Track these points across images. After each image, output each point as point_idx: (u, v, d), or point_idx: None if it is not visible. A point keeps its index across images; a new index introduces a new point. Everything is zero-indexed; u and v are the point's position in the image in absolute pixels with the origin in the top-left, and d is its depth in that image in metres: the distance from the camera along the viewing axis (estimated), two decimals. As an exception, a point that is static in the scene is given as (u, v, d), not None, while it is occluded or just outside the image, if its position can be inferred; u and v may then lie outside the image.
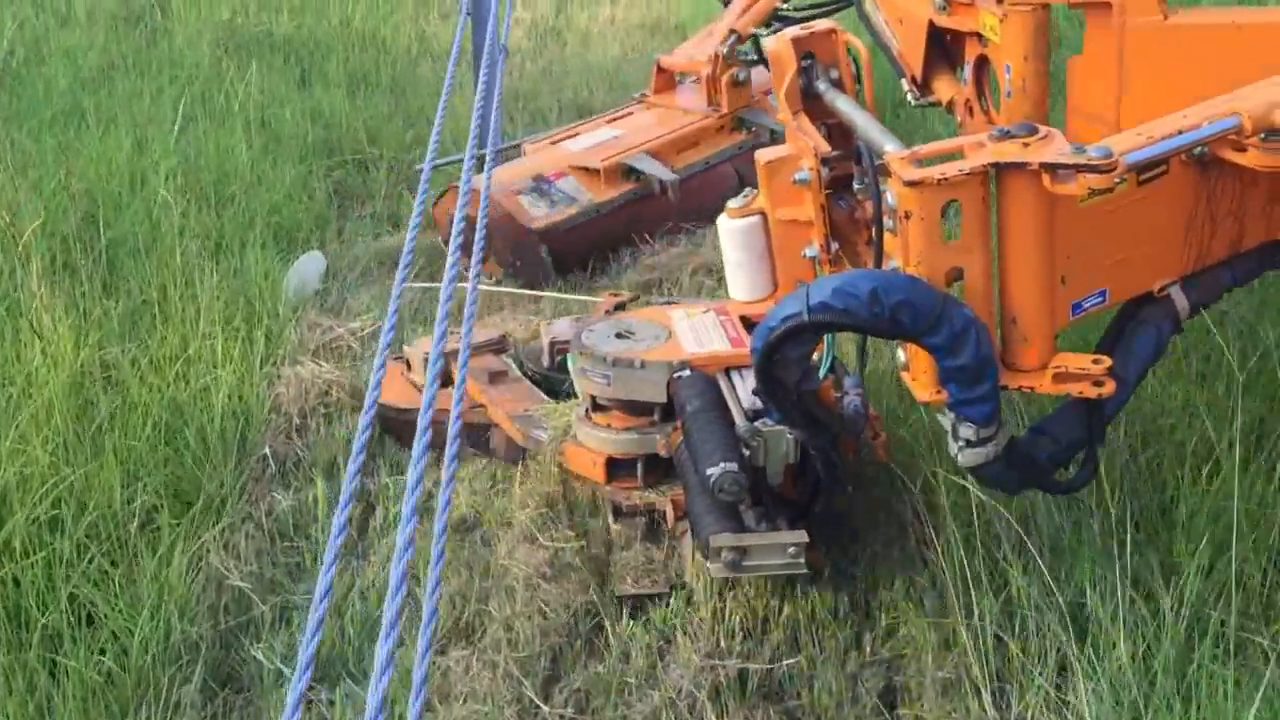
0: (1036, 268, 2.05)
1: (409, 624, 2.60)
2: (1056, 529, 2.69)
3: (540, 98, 6.35)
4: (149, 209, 4.63)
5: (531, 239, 4.35)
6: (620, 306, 3.48)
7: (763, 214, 2.80)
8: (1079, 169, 1.90)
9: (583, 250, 4.44)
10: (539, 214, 4.39)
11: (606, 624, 2.75)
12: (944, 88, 3.11)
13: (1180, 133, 1.98)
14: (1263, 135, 1.97)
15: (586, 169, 4.52)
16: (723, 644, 2.65)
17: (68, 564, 2.84)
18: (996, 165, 1.97)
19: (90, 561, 2.87)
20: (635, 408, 2.90)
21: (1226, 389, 3.05)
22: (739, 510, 2.58)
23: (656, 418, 2.88)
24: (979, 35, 2.85)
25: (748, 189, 2.85)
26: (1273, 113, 1.94)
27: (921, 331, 2.01)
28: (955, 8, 2.86)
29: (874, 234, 2.39)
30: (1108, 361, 2.11)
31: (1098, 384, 2.11)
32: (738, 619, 2.70)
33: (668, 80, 5.03)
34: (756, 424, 2.54)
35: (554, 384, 3.36)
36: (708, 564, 2.53)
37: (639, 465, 2.89)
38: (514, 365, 3.46)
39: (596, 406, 2.97)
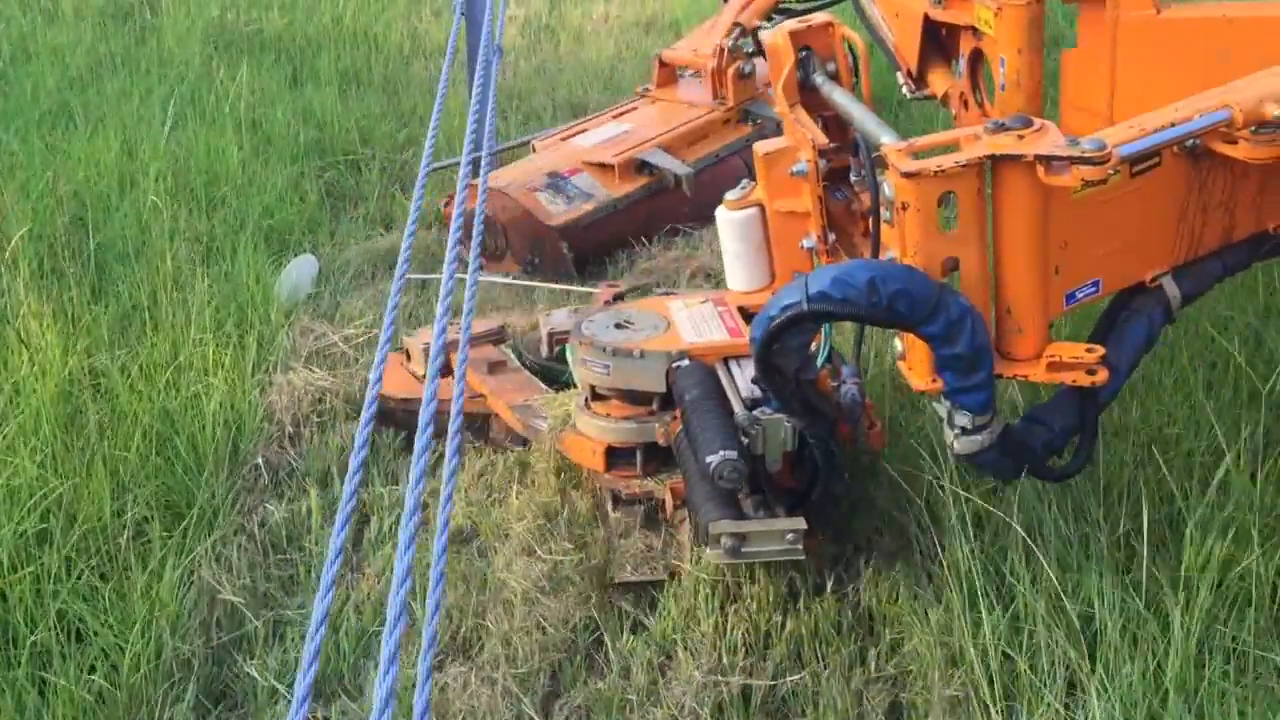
0: (1031, 258, 2.08)
1: (406, 641, 2.56)
2: (1064, 542, 2.65)
3: (534, 97, 6.29)
4: (138, 212, 4.57)
5: (551, 236, 4.35)
6: (619, 297, 3.52)
7: (760, 205, 2.83)
8: (1073, 161, 1.93)
9: (601, 246, 4.46)
10: (557, 211, 4.40)
11: (606, 639, 2.70)
12: (939, 81, 3.15)
13: (1172, 125, 2.02)
14: (1253, 128, 2.01)
15: (601, 165, 4.53)
16: (725, 659, 2.61)
17: (56, 579, 2.79)
18: (992, 157, 2.01)
19: (79, 576, 2.82)
20: (634, 397, 2.92)
21: (1234, 397, 3.02)
22: (738, 498, 2.60)
23: (655, 407, 2.89)
24: (974, 29, 2.88)
25: (744, 180, 2.87)
26: (1263, 106, 1.99)
27: (918, 320, 2.05)
28: (950, 1, 2.86)
29: (871, 225, 2.45)
30: (1101, 350, 2.15)
31: (1091, 373, 2.15)
32: (740, 634, 2.66)
33: (669, 74, 5.06)
34: (755, 412, 2.56)
35: (552, 374, 3.39)
36: (707, 550, 2.56)
37: (638, 454, 2.91)
38: (513, 355, 3.49)
39: (596, 396, 2.98)
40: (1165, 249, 2.25)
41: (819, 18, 2.87)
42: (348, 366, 3.80)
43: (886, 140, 2.30)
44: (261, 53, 6.69)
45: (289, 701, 2.52)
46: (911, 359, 2.20)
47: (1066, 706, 2.36)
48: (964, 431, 2.19)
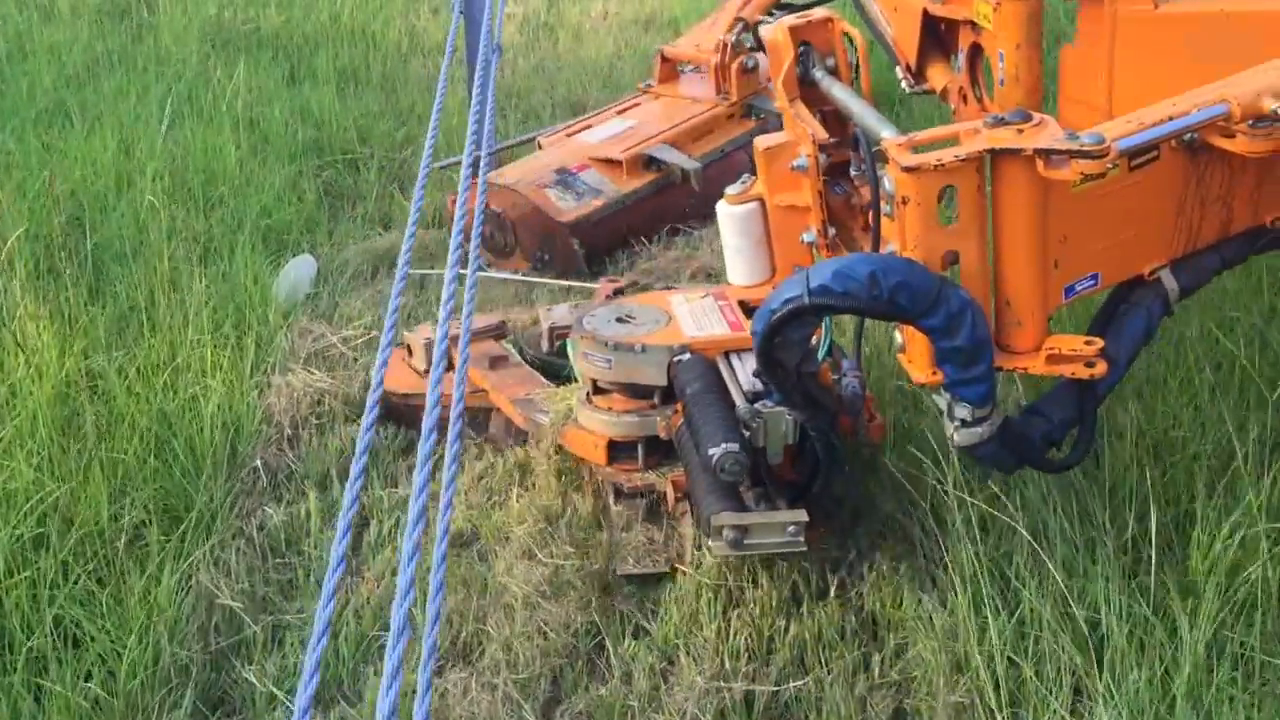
0: (1030, 251, 2.10)
1: (406, 647, 2.53)
2: (1070, 546, 2.62)
3: (533, 95, 6.26)
4: (135, 211, 4.54)
5: (562, 232, 4.35)
6: (619, 292, 3.54)
7: (761, 200, 2.84)
8: (1072, 155, 1.95)
9: (610, 242, 4.47)
10: (567, 207, 4.39)
11: (608, 643, 2.68)
12: (938, 76, 3.17)
13: (1170, 119, 2.04)
14: (1251, 122, 2.03)
15: (608, 160, 4.54)
16: (727, 665, 2.59)
17: (53, 584, 2.76)
18: (991, 151, 2.02)
19: (76, 581, 2.79)
20: (636, 391, 2.93)
21: (1240, 399, 3.00)
22: (739, 491, 2.60)
23: (657, 400, 2.90)
24: (973, 23, 2.91)
25: (745, 175, 2.89)
26: (1260, 100, 2.00)
27: (919, 313, 2.06)
28: None
29: (871, 219, 2.46)
30: (1099, 343, 2.17)
31: (1090, 365, 2.17)
32: (742, 639, 2.64)
33: (671, 70, 5.07)
34: (756, 405, 2.56)
35: (553, 369, 3.40)
36: (709, 542, 2.56)
37: (639, 447, 2.91)
38: (514, 351, 3.50)
39: (597, 390, 2.98)
40: (1163, 242, 2.26)
41: (818, 13, 2.89)
42: (346, 368, 3.77)
43: (886, 135, 2.32)
44: (259, 51, 6.66)
45: (288, 708, 2.51)
46: (911, 352, 2.21)
47: (1073, 713, 2.34)
48: (964, 424, 2.20)
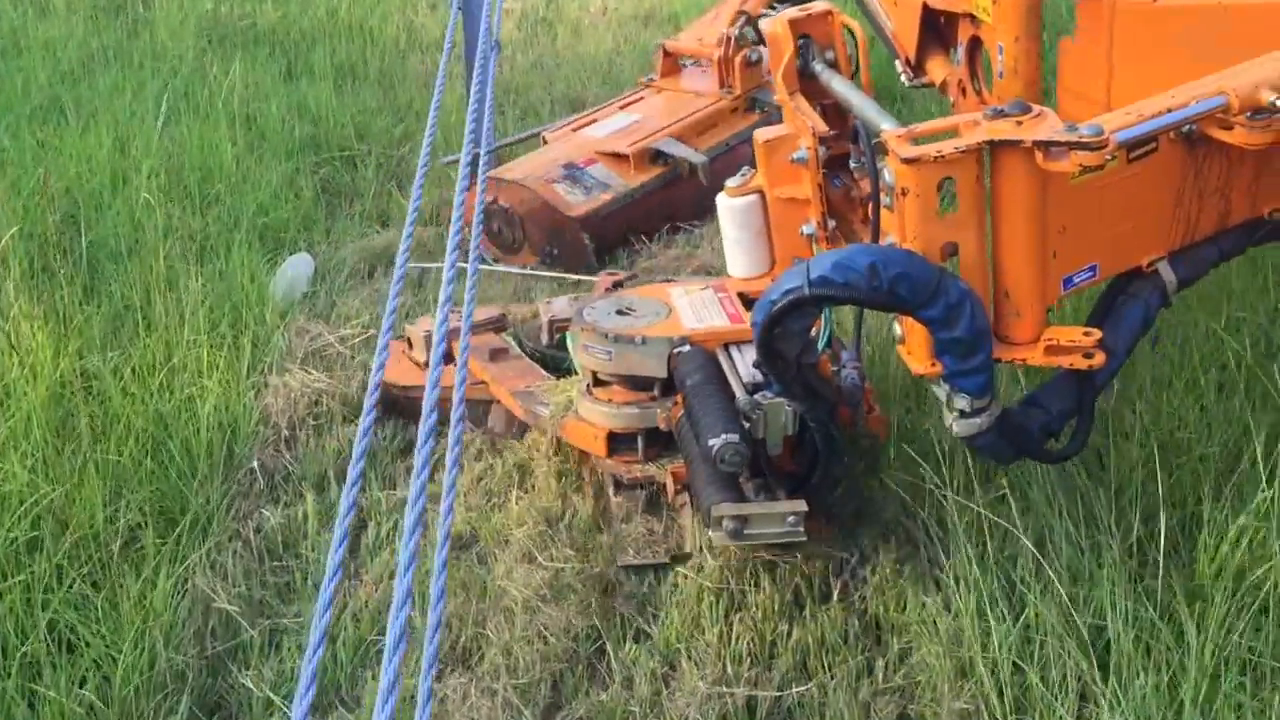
0: (1029, 243, 2.10)
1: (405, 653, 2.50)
2: (1075, 549, 2.60)
3: (532, 91, 6.22)
4: (131, 209, 4.50)
5: (572, 226, 4.35)
6: (618, 285, 3.56)
7: (761, 192, 2.85)
8: (1071, 146, 1.95)
9: (619, 236, 4.47)
10: (576, 201, 4.39)
11: (609, 648, 2.65)
12: (937, 69, 3.19)
13: (1169, 111, 2.05)
14: (1249, 114, 2.04)
15: (615, 155, 4.54)
16: (729, 670, 2.56)
17: (47, 588, 2.73)
18: (991, 143, 2.03)
19: (71, 585, 2.76)
20: (636, 382, 2.93)
21: (1246, 399, 2.97)
22: (739, 482, 2.61)
23: (657, 392, 2.90)
24: (972, 16, 2.92)
25: (745, 168, 2.90)
26: (1258, 92, 2.02)
27: (919, 304, 2.07)
28: None
29: (871, 211, 2.47)
30: (1098, 334, 2.18)
31: (1088, 356, 2.18)
32: (745, 643, 2.61)
33: (673, 64, 5.09)
34: (756, 396, 2.57)
35: (553, 362, 3.41)
36: (709, 533, 2.57)
37: (639, 439, 2.91)
38: (514, 343, 3.51)
39: (597, 382, 2.99)
40: (1162, 234, 2.27)
41: (818, 6, 2.89)
42: (344, 367, 3.74)
43: (886, 127, 2.32)
44: (255, 46, 6.61)
45: (285, 714, 2.48)
46: (911, 343, 2.22)
47: (1079, 719, 2.32)
48: (963, 414, 2.22)
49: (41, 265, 4.07)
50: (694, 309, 2.98)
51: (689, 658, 2.60)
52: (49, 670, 2.55)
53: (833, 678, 2.53)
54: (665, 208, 4.56)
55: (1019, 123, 2.01)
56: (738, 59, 4.77)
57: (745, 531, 2.50)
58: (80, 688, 2.53)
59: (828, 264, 2.10)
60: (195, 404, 3.38)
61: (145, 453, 3.19)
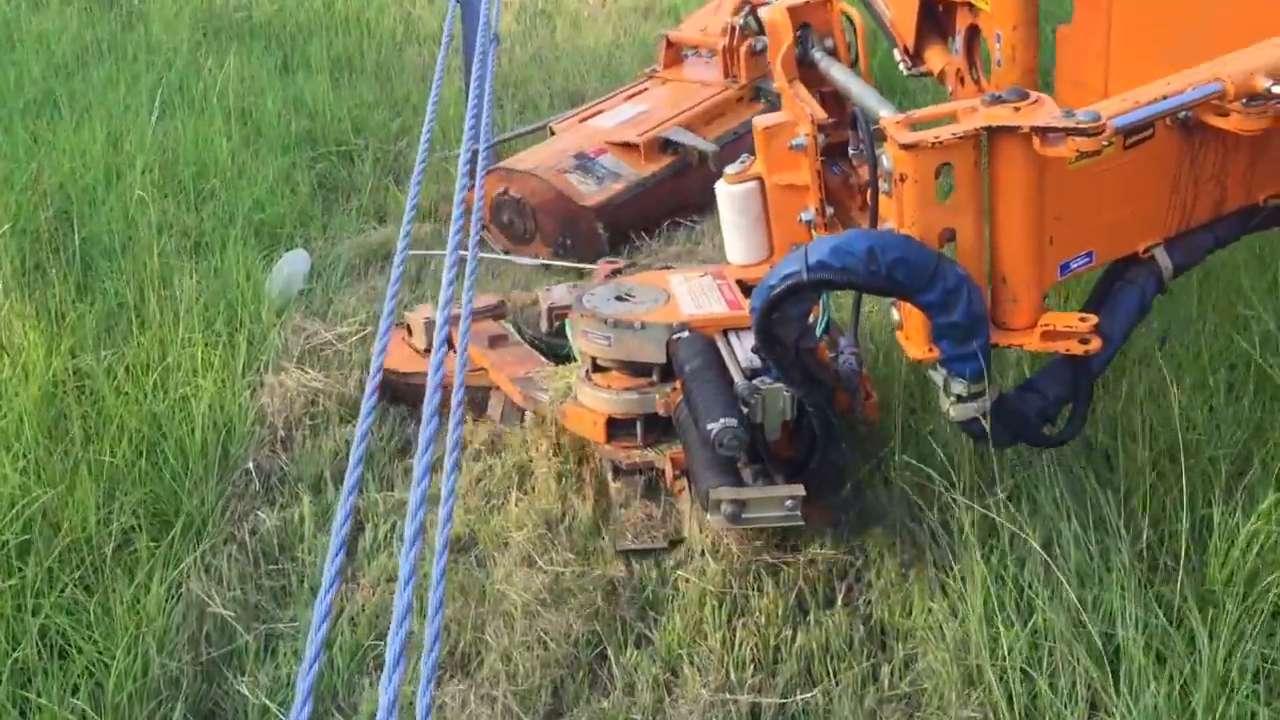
0: (1026, 228, 2.12)
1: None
2: (1084, 554, 2.55)
3: (531, 85, 6.16)
4: (125, 205, 4.44)
5: (587, 216, 4.35)
6: (617, 273, 3.59)
7: (759, 179, 2.88)
8: (1068, 132, 1.97)
9: (631, 225, 4.47)
10: (590, 191, 4.39)
11: (610, 653, 2.61)
12: (935, 57, 3.19)
13: (1165, 98, 2.07)
14: (1244, 100, 2.05)
15: (625, 144, 4.55)
16: (733, 676, 2.53)
17: (39, 592, 2.69)
18: (988, 129, 2.04)
19: (63, 590, 2.71)
20: (635, 368, 2.94)
21: (1256, 400, 2.93)
22: (737, 467, 2.63)
23: (656, 378, 2.92)
24: (970, 5, 2.99)
25: (745, 155, 2.92)
26: (1254, 78, 2.03)
27: (916, 289, 2.09)
28: None
29: (869, 197, 2.49)
30: (1094, 319, 2.20)
31: (1084, 341, 2.20)
32: (748, 649, 2.57)
33: (676, 55, 5.12)
34: (754, 382, 2.59)
35: (552, 349, 3.43)
36: (708, 516, 2.58)
37: (638, 425, 2.93)
38: (513, 330, 3.52)
39: (597, 368, 2.99)
40: (1158, 220, 2.29)
41: None
42: (341, 366, 3.69)
43: (885, 114, 2.34)
44: (251, 39, 6.55)
45: (281, 722, 2.44)
46: (908, 328, 2.24)
47: (1089, 728, 2.28)
48: (960, 399, 2.24)
49: (34, 263, 4.02)
50: (693, 295, 3.00)
51: (691, 664, 2.56)
52: (41, 677, 2.51)
53: (838, 685, 2.49)
54: (675, 197, 4.56)
55: (1016, 109, 2.02)
56: (743, 48, 4.75)
57: (743, 515, 2.53)
58: (73, 695, 2.49)
59: (826, 249, 2.11)
60: (190, 404, 3.34)
61: (139, 454, 3.14)
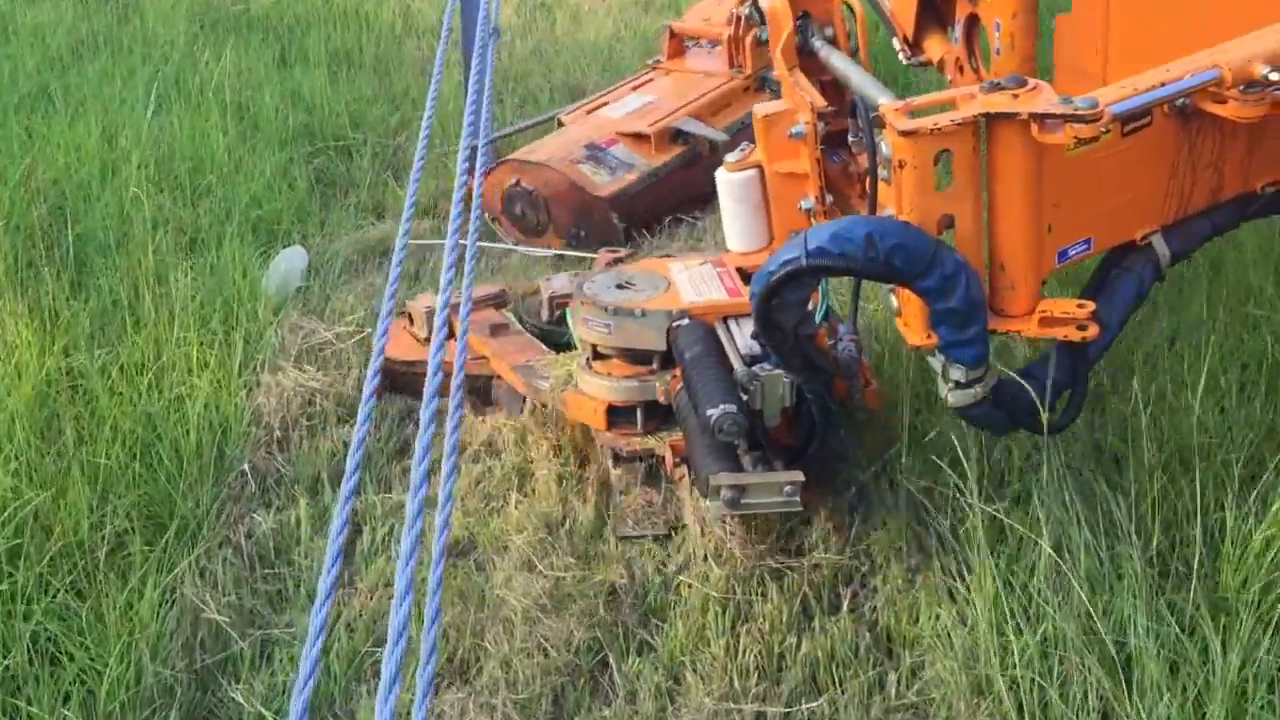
0: (1024, 215, 2.13)
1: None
2: (1094, 559, 2.51)
3: (531, 78, 6.10)
4: (120, 201, 4.39)
5: (601, 206, 4.34)
6: (617, 261, 3.60)
7: (759, 167, 2.88)
8: (1066, 119, 1.98)
9: (644, 215, 4.47)
10: (603, 181, 4.39)
11: (612, 660, 2.57)
12: (935, 46, 3.20)
13: (1163, 85, 2.08)
14: (1242, 87, 2.06)
15: (636, 135, 4.55)
16: (736, 684, 2.48)
17: (30, 598, 2.64)
18: (987, 115, 2.05)
19: (54, 595, 2.67)
20: (635, 356, 2.94)
21: (1268, 401, 2.88)
22: (737, 453, 2.64)
23: (656, 365, 2.92)
24: None
25: (744, 143, 2.93)
26: (1251, 65, 2.04)
27: (915, 275, 2.09)
28: None
29: (869, 184, 2.49)
30: (1091, 305, 2.20)
31: (1082, 328, 2.20)
32: (752, 656, 2.53)
33: (679, 46, 5.11)
34: (754, 369, 2.60)
35: (553, 338, 3.42)
36: (706, 503, 2.56)
37: (638, 412, 2.92)
38: (514, 319, 3.48)
39: (597, 355, 3.00)
40: (1155, 208, 2.29)
41: None
42: (339, 366, 3.64)
43: (884, 101, 2.34)
44: (248, 32, 6.49)
45: (277, 730, 2.39)
46: (907, 315, 2.24)
47: (1101, 739, 2.24)
48: (958, 385, 2.24)
49: (27, 260, 3.96)
50: (693, 283, 3.00)
51: (694, 671, 2.52)
52: (31, 685, 2.46)
53: (843, 693, 2.45)
54: (686, 187, 4.55)
55: (1015, 96, 2.03)
56: (748, 38, 4.71)
57: (742, 501, 2.52)
58: (64, 704, 2.44)
59: (825, 235, 2.11)
60: (185, 404, 3.29)
61: (132, 455, 3.09)
